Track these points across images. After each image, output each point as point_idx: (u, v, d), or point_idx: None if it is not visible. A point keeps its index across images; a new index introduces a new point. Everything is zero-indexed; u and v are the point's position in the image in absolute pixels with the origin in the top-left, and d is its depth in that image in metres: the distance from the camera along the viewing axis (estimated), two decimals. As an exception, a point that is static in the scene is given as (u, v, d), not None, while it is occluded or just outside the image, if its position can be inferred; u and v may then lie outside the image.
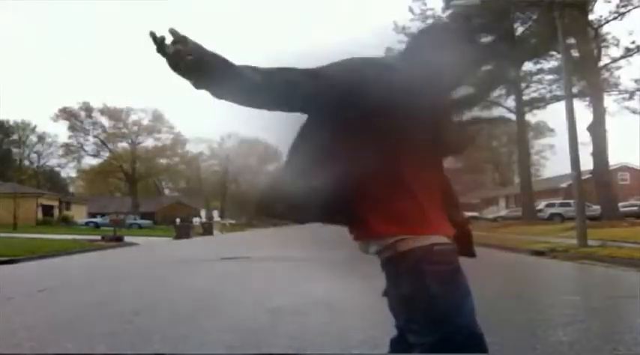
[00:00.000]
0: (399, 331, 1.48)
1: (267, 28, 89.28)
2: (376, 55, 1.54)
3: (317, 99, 1.29)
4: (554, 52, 24.12)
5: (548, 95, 27.91)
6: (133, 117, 58.98)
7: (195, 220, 38.14)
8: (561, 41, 14.03)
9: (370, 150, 1.33)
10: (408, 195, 1.37)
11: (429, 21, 25.89)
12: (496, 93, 28.84)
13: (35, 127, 62.52)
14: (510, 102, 29.68)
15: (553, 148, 53.78)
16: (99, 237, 20.40)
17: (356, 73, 1.31)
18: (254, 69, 1.25)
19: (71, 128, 57.47)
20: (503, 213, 39.65)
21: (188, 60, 1.20)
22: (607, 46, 23.20)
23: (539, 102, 28.83)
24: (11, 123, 61.69)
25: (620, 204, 23.87)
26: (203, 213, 45.95)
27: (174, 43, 1.21)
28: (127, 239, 20.62)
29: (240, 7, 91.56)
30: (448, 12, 25.36)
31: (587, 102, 23.65)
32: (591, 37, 22.05)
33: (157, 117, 59.32)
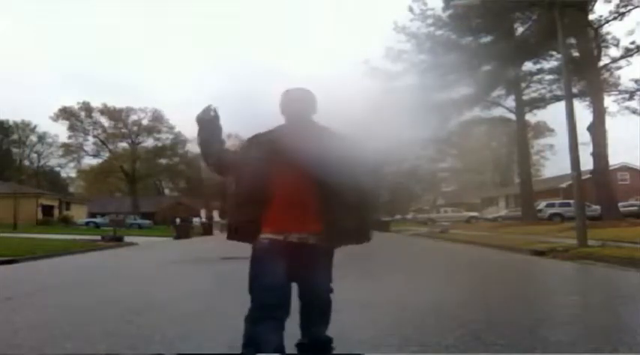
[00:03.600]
0: None
1: (267, 27, 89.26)
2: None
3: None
4: (554, 52, 24.10)
5: (548, 95, 27.88)
6: (133, 117, 58.94)
7: (195, 220, 38.12)
8: (561, 41, 14.01)
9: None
10: (271, 212, 2.33)
11: (429, 21, 25.89)
12: (496, 93, 28.87)
13: (35, 127, 62.59)
14: (510, 102, 29.69)
15: (553, 148, 53.84)
16: (99, 237, 20.39)
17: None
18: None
19: (71, 128, 57.49)
20: (503, 213, 39.62)
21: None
22: (607, 46, 23.17)
23: (539, 102, 28.80)
24: (11, 123, 61.71)
25: (620, 204, 23.84)
26: (203, 213, 45.92)
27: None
28: (126, 239, 20.62)
29: (240, 4, 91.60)
30: (448, 12, 25.32)
31: (587, 102, 23.62)
32: (591, 37, 22.02)
33: (157, 117, 59.35)
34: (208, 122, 2.55)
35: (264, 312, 2.33)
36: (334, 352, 2.69)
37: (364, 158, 2.37)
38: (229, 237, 2.52)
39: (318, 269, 2.49)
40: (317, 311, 2.56)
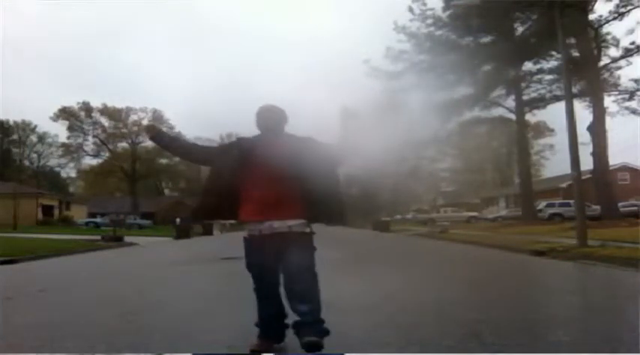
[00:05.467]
0: None
1: (267, 27, 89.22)
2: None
3: (205, 163, 3.25)
4: (554, 52, 24.08)
5: (548, 95, 27.83)
6: (133, 117, 58.95)
7: (195, 220, 38.07)
8: (561, 41, 14.01)
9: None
10: (250, 202, 2.89)
11: (429, 21, 25.87)
12: (496, 93, 28.85)
13: (35, 127, 62.60)
14: (510, 102, 29.67)
15: (553, 148, 53.82)
16: (99, 237, 20.39)
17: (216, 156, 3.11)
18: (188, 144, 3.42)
19: (70, 128, 57.48)
20: (503, 213, 39.61)
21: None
22: (607, 46, 23.16)
23: (539, 102, 28.77)
24: (11, 123, 61.71)
25: (620, 204, 23.84)
26: (203, 213, 45.78)
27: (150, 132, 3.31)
28: (126, 239, 20.61)
29: (240, 5, 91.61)
30: (448, 12, 25.31)
31: (587, 103, 23.62)
32: (591, 37, 22.02)
33: (157, 117, 59.31)
34: (156, 138, 3.24)
35: (258, 285, 3.02)
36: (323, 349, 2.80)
37: (322, 157, 2.90)
38: (194, 219, 3.47)
39: (294, 252, 2.84)
40: (295, 289, 2.86)
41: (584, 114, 23.34)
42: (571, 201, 19.44)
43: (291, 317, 3.21)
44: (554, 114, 29.71)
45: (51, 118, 57.27)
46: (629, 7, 21.27)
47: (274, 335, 3.06)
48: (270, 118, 3.03)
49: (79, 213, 46.40)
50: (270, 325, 3.04)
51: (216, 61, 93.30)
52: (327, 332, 2.85)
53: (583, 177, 13.12)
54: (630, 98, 24.11)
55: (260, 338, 3.05)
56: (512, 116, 30.22)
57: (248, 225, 2.96)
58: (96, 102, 57.94)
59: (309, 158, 2.83)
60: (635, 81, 23.64)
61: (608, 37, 23.03)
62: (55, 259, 12.56)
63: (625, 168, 38.10)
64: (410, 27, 26.13)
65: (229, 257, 10.70)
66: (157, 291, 6.40)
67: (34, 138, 63.48)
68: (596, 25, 22.11)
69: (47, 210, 42.30)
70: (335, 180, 3.00)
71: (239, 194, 2.90)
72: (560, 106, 21.28)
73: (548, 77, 27.19)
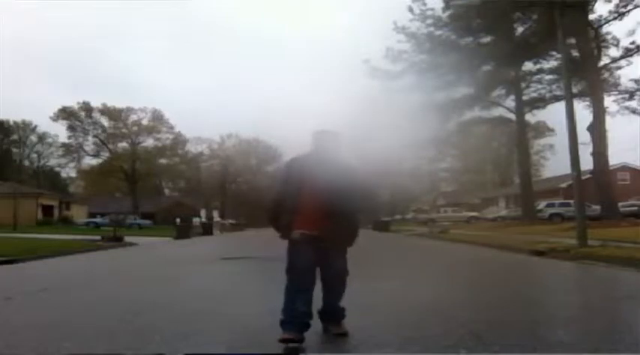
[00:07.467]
0: None
1: (266, 28, 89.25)
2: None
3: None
4: (554, 52, 24.08)
5: (548, 95, 27.86)
6: (133, 117, 58.93)
7: (195, 220, 38.11)
8: (561, 41, 14.01)
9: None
10: (296, 216, 3.35)
11: (429, 21, 25.87)
12: (496, 93, 28.84)
13: (35, 127, 62.62)
14: (510, 102, 29.66)
15: (553, 148, 53.83)
16: (99, 237, 20.36)
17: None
18: None
19: (70, 128, 57.46)
20: (503, 213, 39.59)
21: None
22: (607, 46, 23.16)
23: (539, 102, 28.77)
24: (11, 123, 61.72)
25: (620, 204, 23.81)
26: (203, 213, 45.98)
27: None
28: (126, 239, 20.59)
29: (239, 4, 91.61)
30: (448, 12, 25.31)
31: (587, 102, 23.60)
32: (591, 37, 22.01)
33: (157, 117, 59.31)
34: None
35: (297, 286, 3.28)
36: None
37: (365, 182, 3.48)
38: (283, 236, 3.46)
39: (334, 257, 3.40)
40: (334, 287, 3.47)
41: (584, 114, 23.33)
42: (571, 201, 19.42)
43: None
44: (554, 114, 29.70)
45: (51, 118, 57.24)
46: (629, 7, 21.29)
47: (299, 331, 3.21)
48: (326, 142, 3.50)
49: (79, 213, 46.41)
50: (301, 321, 3.23)
51: (216, 61, 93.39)
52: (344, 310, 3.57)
53: (583, 177, 13.12)
54: (630, 98, 24.12)
55: (287, 332, 3.18)
56: (512, 116, 30.21)
57: (296, 231, 3.33)
58: (96, 102, 57.94)
59: (343, 178, 3.28)
60: (635, 81, 23.66)
61: (608, 37, 23.05)
62: (55, 259, 12.55)
63: (625, 168, 38.08)
64: (410, 27, 26.16)
65: (230, 257, 10.70)
66: (157, 291, 6.40)
67: (34, 138, 63.58)
68: (596, 25, 22.10)
69: (47, 210, 42.31)
70: (355, 203, 3.44)
71: (295, 206, 3.35)
72: (560, 106, 21.30)
73: (548, 77, 27.23)
